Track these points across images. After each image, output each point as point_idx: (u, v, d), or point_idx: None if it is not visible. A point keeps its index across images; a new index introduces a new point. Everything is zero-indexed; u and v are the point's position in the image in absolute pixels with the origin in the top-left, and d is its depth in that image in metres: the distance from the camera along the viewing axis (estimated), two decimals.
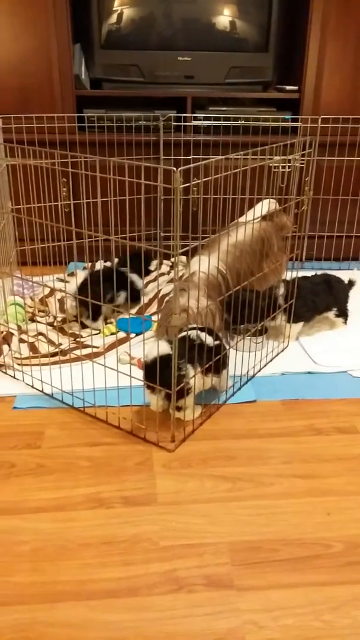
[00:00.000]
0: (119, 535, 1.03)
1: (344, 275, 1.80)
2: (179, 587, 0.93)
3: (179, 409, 1.30)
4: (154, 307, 1.86)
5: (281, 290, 1.62)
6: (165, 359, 1.18)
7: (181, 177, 1.04)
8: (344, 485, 1.15)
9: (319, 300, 1.69)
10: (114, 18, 2.09)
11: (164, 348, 1.21)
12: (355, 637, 0.85)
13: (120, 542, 1.01)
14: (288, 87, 2.22)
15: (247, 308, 1.56)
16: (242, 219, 1.87)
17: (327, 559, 0.98)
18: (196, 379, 1.26)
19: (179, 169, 1.01)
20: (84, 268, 2.12)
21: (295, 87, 2.20)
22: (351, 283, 1.78)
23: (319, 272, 1.77)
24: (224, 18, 2.13)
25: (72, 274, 2.09)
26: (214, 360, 1.29)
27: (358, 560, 0.98)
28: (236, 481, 1.16)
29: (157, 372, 1.19)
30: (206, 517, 1.07)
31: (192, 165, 1.08)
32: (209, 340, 1.28)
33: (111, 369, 1.32)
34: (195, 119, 2.16)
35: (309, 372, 1.56)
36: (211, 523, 1.06)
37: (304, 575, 0.95)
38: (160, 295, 1.93)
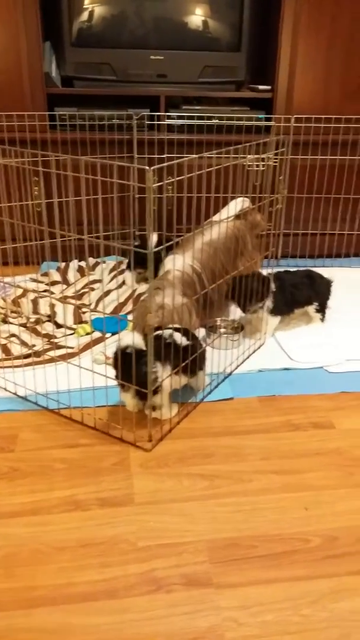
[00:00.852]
0: (96, 538, 1.01)
1: (323, 272, 1.82)
2: (158, 587, 0.92)
3: (155, 408, 1.29)
4: (129, 307, 1.85)
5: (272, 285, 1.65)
6: (135, 355, 1.17)
7: (155, 176, 1.03)
8: (321, 480, 1.16)
9: (299, 294, 1.70)
10: (85, 16, 2.07)
11: (134, 341, 1.20)
12: (333, 630, 0.85)
13: (97, 545, 1.00)
14: (261, 87, 2.23)
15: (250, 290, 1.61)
16: (215, 218, 1.87)
17: (305, 554, 0.98)
18: (169, 378, 1.25)
19: (152, 168, 1.00)
20: (58, 268, 2.10)
21: (268, 87, 2.21)
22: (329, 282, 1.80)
23: (301, 269, 1.78)
24: (197, 17, 2.13)
25: (45, 274, 2.06)
26: (188, 360, 1.28)
27: (335, 554, 0.98)
28: (214, 479, 1.16)
29: (125, 368, 1.18)
30: (184, 516, 1.06)
31: (166, 164, 1.07)
32: (182, 340, 1.27)
33: (86, 369, 1.30)
34: (169, 117, 2.15)
35: (286, 369, 1.57)
36: (189, 522, 1.05)
37: (282, 571, 0.95)
38: (135, 294, 1.92)
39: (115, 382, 1.27)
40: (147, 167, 0.98)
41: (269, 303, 1.64)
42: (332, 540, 1.01)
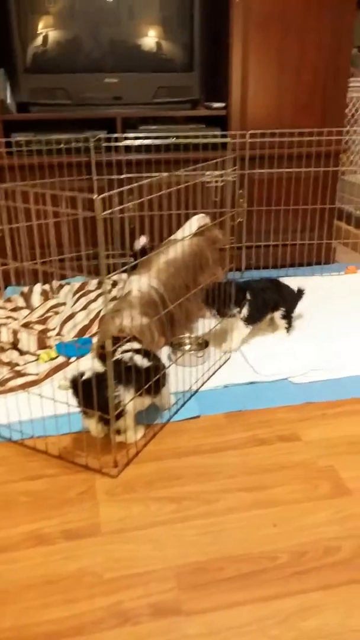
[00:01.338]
0: (61, 572, 0.99)
1: (288, 282, 1.84)
2: (125, 619, 0.91)
3: (119, 432, 1.28)
4: (94, 328, 1.84)
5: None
6: (96, 380, 1.16)
7: (115, 198, 1.03)
8: (288, 494, 1.16)
9: (268, 298, 1.73)
10: (38, 41, 2.07)
11: (94, 366, 1.19)
12: None
13: (63, 580, 0.98)
14: (215, 104, 2.27)
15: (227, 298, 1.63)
16: (175, 236, 1.89)
17: (273, 572, 0.98)
18: (132, 401, 1.24)
19: (100, 196, 1.00)
20: (21, 293, 2.08)
21: (223, 104, 2.25)
22: (300, 292, 1.81)
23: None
24: (149, 39, 2.16)
25: (9, 300, 2.04)
26: (152, 382, 1.28)
27: (303, 570, 0.98)
28: (181, 501, 1.15)
29: (86, 394, 1.17)
30: (152, 543, 1.05)
31: (114, 191, 1.07)
32: (143, 362, 1.27)
33: (47, 397, 1.29)
34: (127, 138, 2.16)
35: (251, 382, 1.58)
36: (157, 548, 1.04)
37: (250, 592, 0.95)
38: (100, 315, 1.91)
39: (77, 409, 1.26)
40: (94, 196, 0.99)
41: (244, 311, 1.65)
42: (300, 556, 1.01)
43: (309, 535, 1.06)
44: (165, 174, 1.29)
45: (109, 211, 1.03)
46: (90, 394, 1.16)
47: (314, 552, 1.02)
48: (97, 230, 1.00)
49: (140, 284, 1.62)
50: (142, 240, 2.08)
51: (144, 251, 2.03)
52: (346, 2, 2.12)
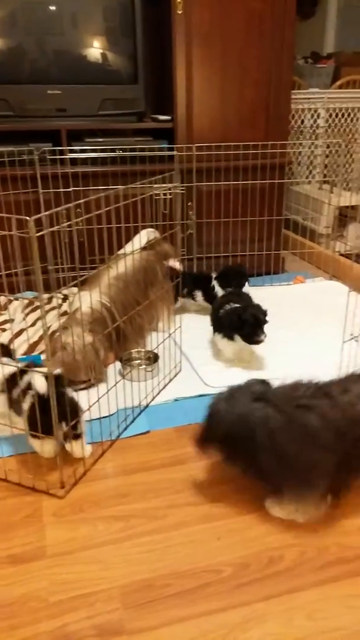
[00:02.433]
0: (5, 599, 0.98)
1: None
2: None
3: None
4: (43, 346, 1.82)
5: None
6: (41, 403, 1.15)
7: (62, 212, 1.03)
8: (233, 507, 1.18)
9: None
10: None
11: (38, 386, 1.17)
12: None
13: (7, 606, 0.97)
14: (161, 117, 2.29)
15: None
16: (123, 251, 1.90)
17: (218, 585, 1.00)
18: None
19: (33, 218, 1.00)
20: None
21: (169, 117, 2.28)
22: None
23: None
24: (93, 50, 2.16)
25: None
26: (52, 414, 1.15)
27: (246, 581, 1.01)
28: (129, 519, 1.16)
29: (31, 416, 1.16)
30: (98, 563, 1.05)
31: (49, 212, 1.08)
32: (41, 387, 1.15)
33: None
34: (72, 151, 2.16)
35: (201, 395, 1.60)
36: (103, 568, 1.04)
37: (195, 606, 0.96)
38: (50, 332, 1.90)
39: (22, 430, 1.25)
40: (26, 218, 0.99)
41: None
42: (243, 568, 1.04)
43: (253, 546, 1.08)
44: (112, 188, 1.30)
45: (47, 230, 1.03)
46: (35, 415, 1.16)
47: (257, 563, 1.05)
48: (32, 251, 1.00)
49: (89, 299, 1.62)
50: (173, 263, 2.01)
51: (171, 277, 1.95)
52: (286, 17, 2.19)
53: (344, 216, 2.88)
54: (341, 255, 2.58)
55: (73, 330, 1.51)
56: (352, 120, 3.21)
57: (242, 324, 1.62)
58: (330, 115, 3.15)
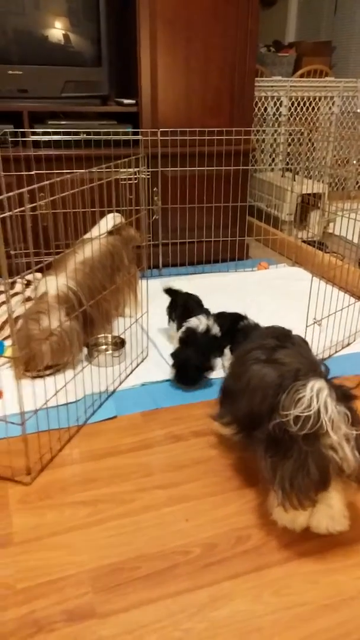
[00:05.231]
0: None
1: (202, 278, 1.88)
2: (39, 629, 0.90)
3: None
4: (6, 331, 1.78)
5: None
6: None
7: (25, 195, 1.00)
8: (201, 488, 1.20)
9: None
10: None
11: None
12: None
13: None
14: (126, 101, 2.26)
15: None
16: (87, 236, 1.87)
17: (186, 566, 1.01)
18: None
19: None
20: None
21: (133, 101, 2.24)
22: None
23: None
24: (55, 31, 2.10)
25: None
26: None
27: (214, 561, 1.02)
28: (97, 504, 1.15)
29: None
30: (66, 548, 1.04)
31: (10, 194, 1.05)
32: None
33: None
34: (35, 133, 2.10)
35: (168, 380, 1.60)
36: (71, 553, 1.03)
37: (164, 588, 0.97)
38: (14, 317, 1.85)
39: None
40: None
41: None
42: (211, 548, 1.05)
43: (220, 527, 1.10)
44: (76, 172, 1.27)
45: (8, 213, 1.00)
46: None
47: (225, 543, 1.06)
48: None
49: (55, 283, 1.59)
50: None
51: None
52: (250, 6, 2.19)
53: (306, 203, 2.92)
54: (303, 242, 2.62)
55: (53, 315, 1.49)
56: (314, 109, 3.25)
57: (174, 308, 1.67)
58: (293, 104, 3.18)
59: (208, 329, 1.56)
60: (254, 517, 1.12)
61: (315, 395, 0.96)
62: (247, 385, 1.11)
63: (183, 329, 1.59)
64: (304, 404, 0.95)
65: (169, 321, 1.74)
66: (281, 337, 1.20)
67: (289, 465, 0.97)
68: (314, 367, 1.06)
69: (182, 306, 1.68)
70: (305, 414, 0.95)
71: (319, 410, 0.95)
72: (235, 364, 1.22)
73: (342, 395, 1.00)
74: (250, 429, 1.11)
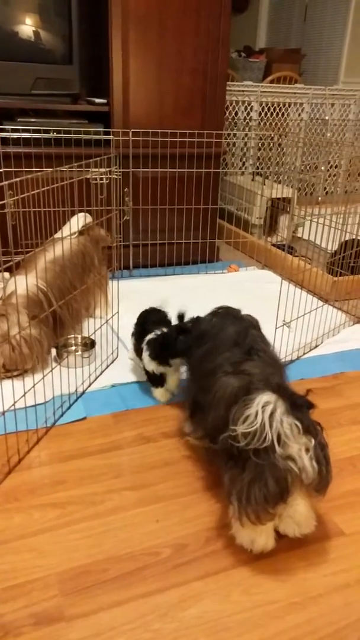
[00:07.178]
0: None
1: (173, 280, 1.88)
2: (5, 633, 0.88)
3: None
4: None
5: None
6: None
7: None
8: (171, 489, 1.20)
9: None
10: None
11: None
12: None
13: None
14: (97, 100, 2.25)
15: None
16: (57, 235, 1.85)
17: (156, 567, 1.01)
18: None
19: None
20: None
21: (105, 100, 2.23)
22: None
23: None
24: (26, 27, 2.07)
25: None
26: None
27: (183, 562, 1.02)
28: (66, 506, 1.14)
29: None
30: (33, 551, 1.03)
31: None
32: None
33: None
34: (3, 130, 2.07)
35: (138, 381, 1.60)
36: (39, 556, 1.02)
37: (133, 589, 0.97)
38: None
39: None
40: None
41: None
42: (181, 549, 1.05)
43: (190, 527, 1.10)
44: (46, 171, 1.26)
45: None
46: None
47: (194, 543, 1.06)
48: None
49: (24, 283, 1.56)
50: None
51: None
52: (222, 7, 2.20)
53: (275, 207, 2.96)
54: (273, 245, 2.65)
55: (13, 320, 1.45)
56: (283, 114, 3.30)
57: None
58: (263, 109, 3.23)
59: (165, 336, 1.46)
60: (224, 517, 1.13)
61: (260, 410, 0.95)
62: (214, 398, 1.11)
63: (144, 343, 1.47)
64: (249, 420, 0.95)
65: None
66: (232, 318, 1.21)
67: (246, 478, 0.96)
68: (269, 378, 1.05)
69: (140, 325, 1.56)
70: (249, 429, 0.94)
71: (263, 425, 0.94)
72: (203, 377, 1.21)
73: (293, 405, 0.99)
74: (216, 442, 1.11)
